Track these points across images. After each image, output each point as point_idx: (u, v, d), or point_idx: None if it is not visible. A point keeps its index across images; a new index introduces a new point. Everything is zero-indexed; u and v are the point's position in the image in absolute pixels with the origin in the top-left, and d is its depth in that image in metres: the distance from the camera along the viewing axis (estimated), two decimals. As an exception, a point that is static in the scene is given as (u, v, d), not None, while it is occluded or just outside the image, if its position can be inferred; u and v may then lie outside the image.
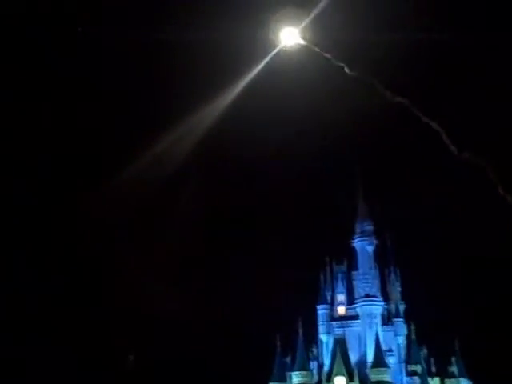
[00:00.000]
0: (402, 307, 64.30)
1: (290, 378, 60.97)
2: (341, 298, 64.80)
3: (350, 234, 66.81)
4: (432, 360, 61.17)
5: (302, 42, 27.56)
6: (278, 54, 29.41)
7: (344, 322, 63.12)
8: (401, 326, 62.73)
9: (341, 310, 64.32)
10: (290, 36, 27.38)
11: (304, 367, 61.02)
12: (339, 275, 65.79)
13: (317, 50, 27.69)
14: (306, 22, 27.57)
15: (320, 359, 62.18)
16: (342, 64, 27.64)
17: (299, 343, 62.05)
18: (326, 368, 60.28)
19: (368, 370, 58.74)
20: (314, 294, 65.36)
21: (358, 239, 66.13)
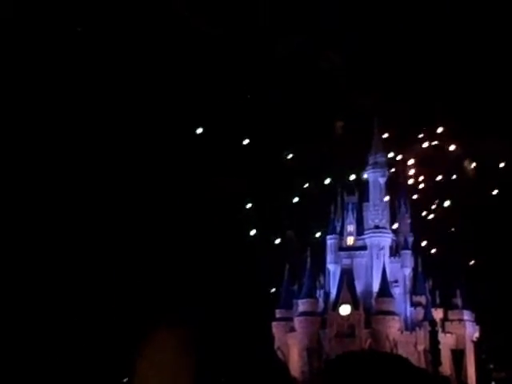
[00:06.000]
0: (410, 239, 64.92)
1: (297, 305, 62.38)
2: (350, 228, 65.44)
3: (363, 165, 66.83)
4: (437, 292, 62.17)
5: None
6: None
7: (352, 252, 64.00)
8: (408, 258, 63.53)
9: (350, 240, 65.08)
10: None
11: (311, 295, 62.32)
12: (350, 206, 66.22)
13: None
14: None
15: (327, 288, 63.35)
16: None
17: (307, 272, 63.14)
18: (332, 296, 61.49)
19: (373, 300, 59.94)
20: (324, 224, 66.06)
21: (371, 171, 66.15)
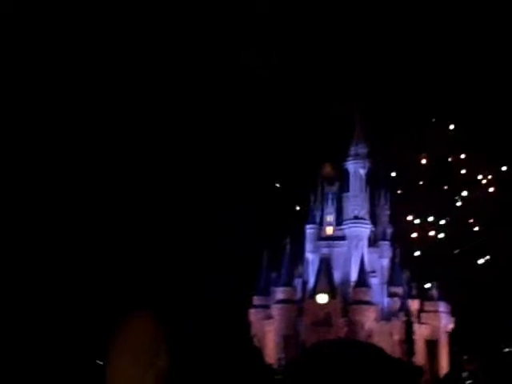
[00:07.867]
0: (389, 230, 65.29)
1: (275, 292, 62.57)
2: (330, 218, 65.62)
3: (344, 156, 67.06)
4: (413, 283, 62.65)
5: None
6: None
7: (331, 242, 64.21)
8: (386, 249, 63.89)
9: (329, 230, 65.27)
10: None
11: (289, 283, 62.53)
12: (330, 196, 66.41)
13: None
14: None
15: (305, 276, 63.62)
16: None
17: (285, 260, 63.37)
18: (309, 285, 61.79)
19: (350, 289, 60.30)
20: (303, 213, 66.29)
21: (352, 161, 66.39)
